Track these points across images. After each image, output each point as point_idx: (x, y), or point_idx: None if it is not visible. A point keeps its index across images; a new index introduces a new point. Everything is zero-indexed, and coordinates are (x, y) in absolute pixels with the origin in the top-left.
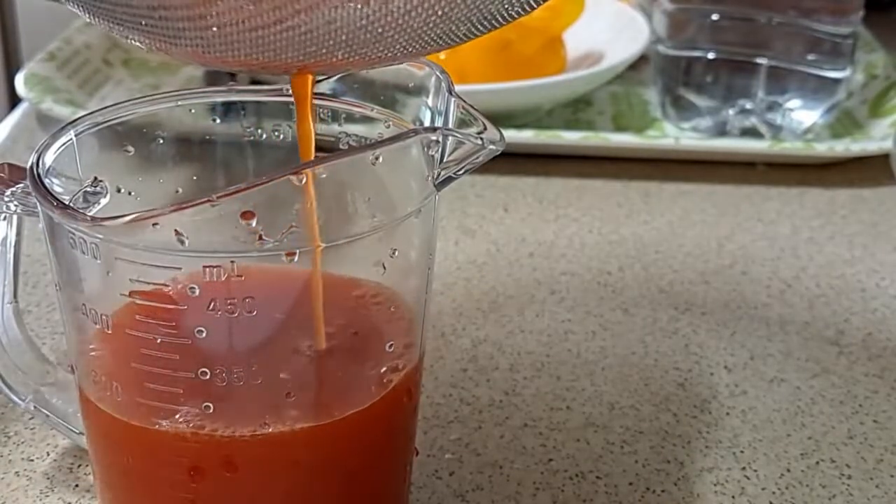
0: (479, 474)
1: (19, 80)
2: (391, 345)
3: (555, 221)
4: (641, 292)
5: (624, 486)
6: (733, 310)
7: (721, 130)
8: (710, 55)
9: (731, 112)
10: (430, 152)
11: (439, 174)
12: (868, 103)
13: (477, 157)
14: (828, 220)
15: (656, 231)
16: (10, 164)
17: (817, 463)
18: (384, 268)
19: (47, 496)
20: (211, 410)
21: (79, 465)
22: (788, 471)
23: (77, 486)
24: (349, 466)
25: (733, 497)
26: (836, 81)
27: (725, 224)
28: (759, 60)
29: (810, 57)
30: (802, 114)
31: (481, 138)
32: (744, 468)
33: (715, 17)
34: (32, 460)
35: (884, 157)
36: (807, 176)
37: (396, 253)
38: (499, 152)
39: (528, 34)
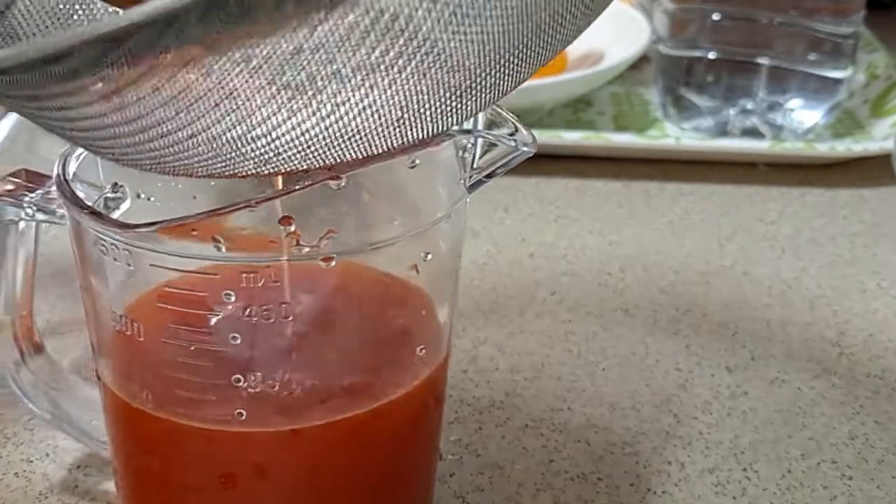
0: (480, 475)
1: None
2: (422, 349)
3: (555, 222)
4: (642, 293)
5: (625, 487)
6: (734, 310)
7: (722, 130)
8: (711, 55)
9: (732, 112)
10: (463, 155)
11: (471, 177)
12: (869, 103)
13: (509, 160)
14: (829, 221)
15: (657, 231)
16: (27, 171)
17: (818, 464)
18: (417, 271)
19: (46, 497)
20: (243, 417)
21: (77, 467)
22: (790, 472)
23: (76, 487)
24: (380, 472)
25: (734, 498)
26: (838, 81)
27: (726, 224)
28: (761, 60)
29: (811, 57)
30: (803, 114)
31: (514, 140)
32: (745, 469)
33: (716, 16)
34: (32, 461)
35: (885, 158)
36: (808, 176)
37: (429, 256)
38: (531, 154)
39: None
